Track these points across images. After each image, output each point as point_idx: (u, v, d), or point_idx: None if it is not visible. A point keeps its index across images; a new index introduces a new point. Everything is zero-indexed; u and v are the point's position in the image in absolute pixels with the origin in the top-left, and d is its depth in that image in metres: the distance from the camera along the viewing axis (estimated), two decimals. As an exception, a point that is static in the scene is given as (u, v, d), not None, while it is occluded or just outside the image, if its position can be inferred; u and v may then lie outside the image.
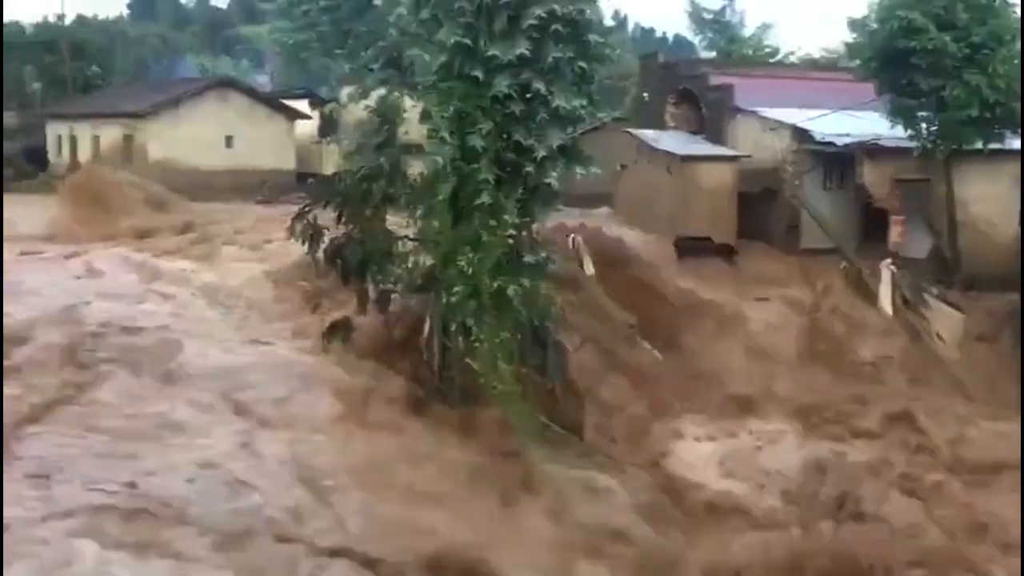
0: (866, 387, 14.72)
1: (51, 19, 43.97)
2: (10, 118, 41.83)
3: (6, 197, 29.32)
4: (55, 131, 37.02)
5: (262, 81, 50.58)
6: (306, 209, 11.73)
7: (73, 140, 35.36)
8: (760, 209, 19.47)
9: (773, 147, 20.02)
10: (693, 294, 17.04)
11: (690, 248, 18.93)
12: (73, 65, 40.27)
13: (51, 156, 36.86)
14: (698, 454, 11.92)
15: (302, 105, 37.17)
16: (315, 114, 36.90)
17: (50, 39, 41.76)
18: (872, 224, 18.98)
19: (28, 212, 21.23)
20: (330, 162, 32.05)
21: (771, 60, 35.59)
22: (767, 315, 17.00)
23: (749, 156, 19.93)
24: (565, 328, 12.37)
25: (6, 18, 43.45)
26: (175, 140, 31.82)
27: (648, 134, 21.24)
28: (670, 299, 16.68)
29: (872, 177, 18.75)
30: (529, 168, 10.48)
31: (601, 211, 21.53)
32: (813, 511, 10.98)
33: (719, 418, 12.83)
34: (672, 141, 20.99)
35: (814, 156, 19.56)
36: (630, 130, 21.78)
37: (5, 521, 7.25)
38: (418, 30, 10.70)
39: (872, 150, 18.72)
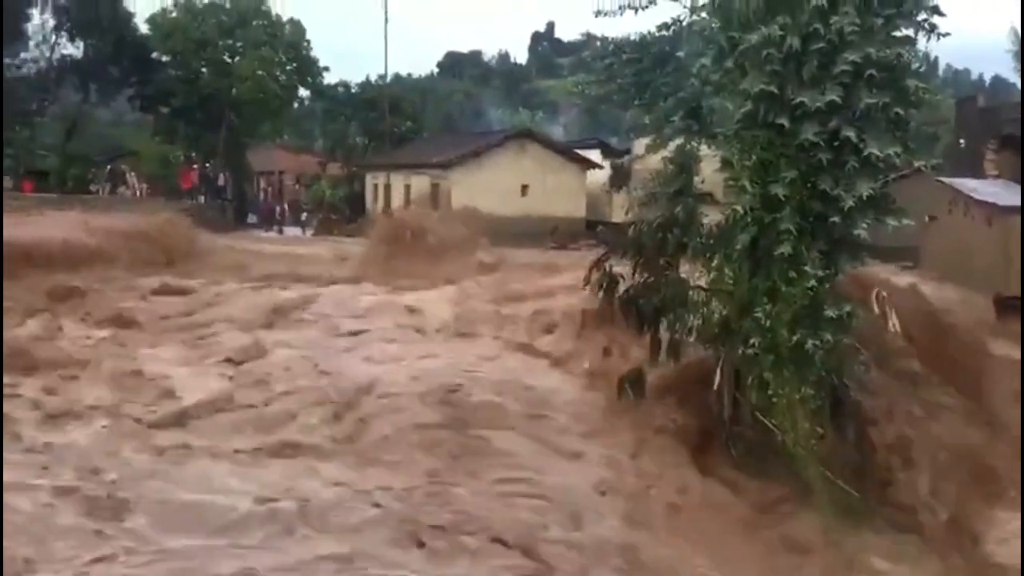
0: None
1: (372, 79, 48.69)
2: (335, 169, 46.77)
3: (328, 240, 32.65)
4: (373, 181, 40.82)
5: (556, 132, 52.64)
6: (603, 258, 11.94)
7: (387, 189, 38.77)
8: (1101, 268, 17.27)
9: (1118, 198, 17.79)
10: (1011, 359, 15.32)
11: (1012, 308, 17.20)
12: (390, 120, 44.24)
13: (368, 203, 40.64)
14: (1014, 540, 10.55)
15: (594, 155, 38.30)
16: (606, 163, 37.86)
17: (372, 98, 46.24)
18: None
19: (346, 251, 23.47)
20: (619, 210, 32.68)
21: (1115, 101, 31.66)
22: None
23: (1087, 208, 17.86)
24: (869, 388, 11.58)
25: (336, 78, 48.90)
26: (476, 188, 33.92)
27: (965, 183, 19.65)
28: (986, 365, 15.07)
29: None
30: (835, 218, 9.99)
31: (905, 265, 20.10)
32: None
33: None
34: (993, 190, 19.28)
35: None
36: (942, 179, 20.25)
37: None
38: (722, 80, 10.62)
39: None
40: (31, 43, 41.45)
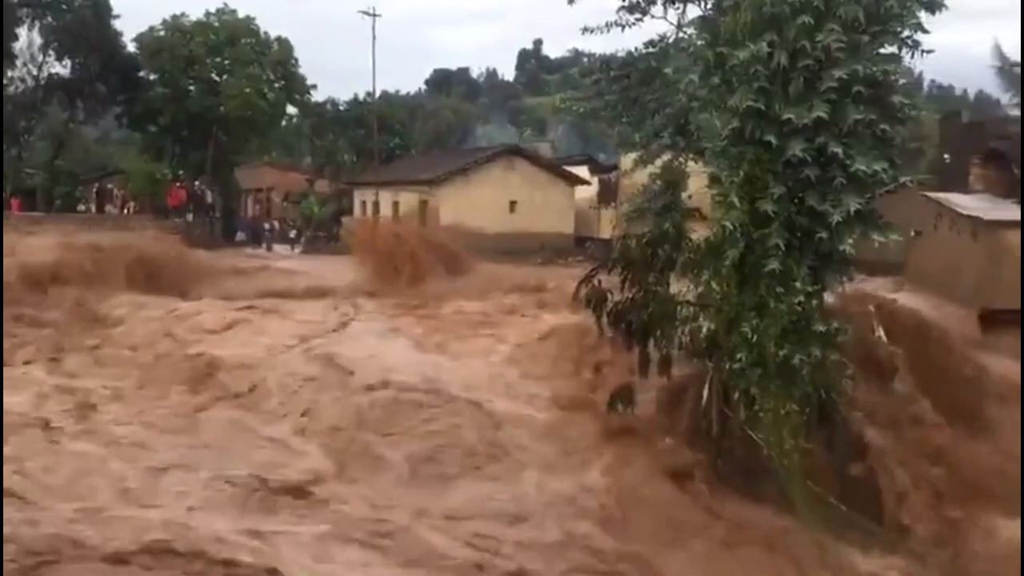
0: None
1: (361, 96, 48.82)
2: (323, 186, 46.78)
3: (318, 258, 32.60)
4: (360, 197, 40.84)
5: (544, 148, 52.85)
6: (591, 273, 11.96)
7: (376, 206, 38.77)
8: (1085, 282, 17.36)
9: (1103, 213, 17.94)
10: (998, 373, 15.40)
11: (997, 322, 17.28)
12: (379, 138, 44.30)
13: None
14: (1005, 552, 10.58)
15: (582, 171, 38.44)
16: (594, 180, 38.01)
17: (360, 115, 46.35)
18: None
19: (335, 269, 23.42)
20: (607, 226, 32.84)
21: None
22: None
23: (1071, 222, 17.98)
24: (853, 402, 11.61)
25: (325, 95, 48.96)
26: (464, 205, 34.00)
27: (950, 197, 19.80)
28: (971, 377, 15.14)
29: None
30: (822, 234, 10.04)
31: (891, 280, 20.19)
32: None
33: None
34: (979, 205, 19.42)
35: None
36: (928, 193, 20.40)
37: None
38: (709, 96, 10.67)
39: None
40: (18, 62, 41.36)
